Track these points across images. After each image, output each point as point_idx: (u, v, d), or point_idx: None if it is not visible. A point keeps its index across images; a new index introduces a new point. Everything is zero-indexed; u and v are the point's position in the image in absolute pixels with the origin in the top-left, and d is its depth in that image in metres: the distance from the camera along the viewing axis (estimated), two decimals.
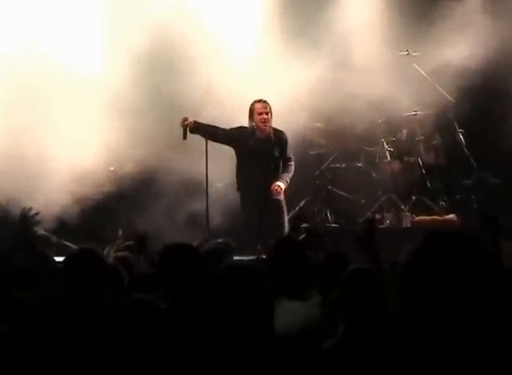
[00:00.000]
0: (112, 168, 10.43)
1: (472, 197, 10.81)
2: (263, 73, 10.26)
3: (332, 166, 11.41)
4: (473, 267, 2.57)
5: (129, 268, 5.46)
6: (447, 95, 10.78)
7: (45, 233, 8.85)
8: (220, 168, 9.75)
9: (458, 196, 10.96)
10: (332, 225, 10.99)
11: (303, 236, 7.19)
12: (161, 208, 10.29)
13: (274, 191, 9.43)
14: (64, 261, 4.41)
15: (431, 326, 2.54)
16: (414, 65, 10.82)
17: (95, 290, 4.22)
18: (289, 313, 4.61)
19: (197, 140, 9.62)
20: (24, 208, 5.41)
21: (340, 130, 11.24)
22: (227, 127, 9.60)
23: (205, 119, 9.74)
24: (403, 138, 11.20)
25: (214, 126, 9.61)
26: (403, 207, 10.77)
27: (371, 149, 11.28)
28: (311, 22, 10.70)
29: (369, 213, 10.74)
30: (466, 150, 10.92)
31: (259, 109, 9.47)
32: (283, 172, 9.60)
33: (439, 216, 10.54)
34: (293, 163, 9.69)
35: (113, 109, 10.13)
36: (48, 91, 10.04)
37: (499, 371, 2.55)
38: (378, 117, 11.08)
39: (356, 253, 4.71)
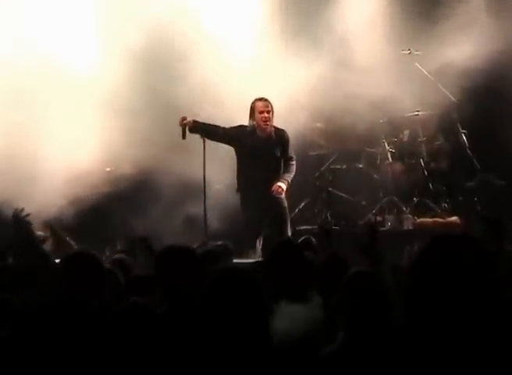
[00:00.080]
0: (108, 169, 10.40)
1: (475, 199, 10.74)
2: (263, 72, 10.23)
3: (332, 167, 11.37)
4: (479, 269, 2.53)
5: (126, 270, 5.46)
6: (450, 95, 10.72)
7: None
8: (218, 169, 9.69)
9: (461, 198, 10.91)
10: (333, 227, 10.89)
11: (303, 238, 7.15)
12: (159, 210, 10.23)
13: (275, 192, 9.33)
14: (59, 263, 4.47)
15: (437, 329, 2.51)
16: (416, 64, 10.75)
17: (90, 292, 4.24)
18: (290, 316, 4.61)
19: (194, 140, 9.53)
20: (16, 209, 5.41)
21: (341, 131, 11.21)
22: (227, 126, 9.50)
23: (205, 119, 9.67)
24: (405, 139, 11.16)
25: (213, 125, 9.50)
26: (404, 209, 10.72)
27: (373, 150, 11.24)
28: (311, 21, 10.68)
29: (370, 215, 10.67)
30: (469, 151, 10.88)
31: (260, 108, 9.34)
32: (284, 172, 9.48)
33: (442, 218, 10.50)
34: (294, 163, 9.57)
35: (110, 109, 10.10)
36: (44, 91, 10.01)
37: None
38: (380, 117, 11.04)
39: (356, 255, 4.68)
